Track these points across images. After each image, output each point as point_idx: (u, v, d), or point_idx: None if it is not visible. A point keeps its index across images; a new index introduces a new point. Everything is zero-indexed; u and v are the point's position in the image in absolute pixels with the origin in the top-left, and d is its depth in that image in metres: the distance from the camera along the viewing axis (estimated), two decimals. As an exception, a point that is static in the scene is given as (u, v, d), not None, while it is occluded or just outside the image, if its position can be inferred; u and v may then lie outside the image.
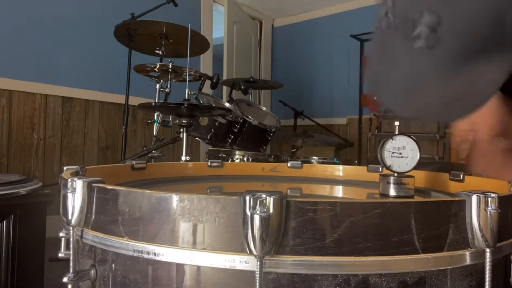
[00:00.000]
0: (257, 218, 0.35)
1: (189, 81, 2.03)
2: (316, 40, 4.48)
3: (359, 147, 3.93)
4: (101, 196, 0.43)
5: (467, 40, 0.43)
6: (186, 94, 1.87)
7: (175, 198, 0.39)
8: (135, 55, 2.41)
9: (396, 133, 0.66)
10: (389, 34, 0.47)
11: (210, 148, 2.32)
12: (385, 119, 3.76)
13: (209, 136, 2.21)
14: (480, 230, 0.38)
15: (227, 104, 2.32)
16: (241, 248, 0.36)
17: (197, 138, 2.33)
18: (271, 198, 0.35)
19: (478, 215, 0.39)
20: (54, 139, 2.79)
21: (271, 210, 0.35)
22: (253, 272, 0.35)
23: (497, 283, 0.43)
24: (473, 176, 0.72)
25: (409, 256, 0.37)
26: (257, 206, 0.35)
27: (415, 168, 0.64)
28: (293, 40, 4.74)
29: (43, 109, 2.74)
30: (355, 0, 4.15)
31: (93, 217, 0.44)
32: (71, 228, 0.44)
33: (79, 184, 0.43)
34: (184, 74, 2.23)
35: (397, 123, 0.71)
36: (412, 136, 0.65)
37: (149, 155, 2.16)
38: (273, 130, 2.35)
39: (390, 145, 0.65)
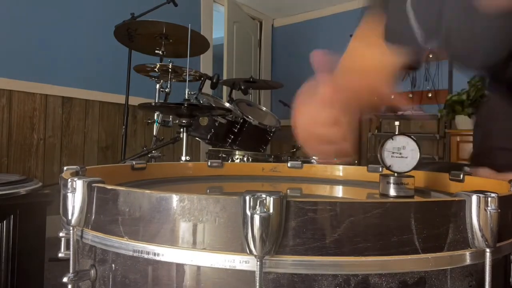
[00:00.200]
0: (257, 218, 0.35)
1: (189, 81, 2.03)
2: (316, 40, 4.48)
3: (359, 147, 3.93)
4: (101, 196, 0.43)
5: None
6: (186, 94, 1.87)
7: (175, 198, 0.39)
8: (135, 55, 2.41)
9: (396, 133, 0.66)
10: None
11: (210, 148, 2.32)
12: (385, 119, 3.76)
13: (209, 136, 2.21)
14: (480, 230, 0.38)
15: (227, 104, 2.33)
16: (241, 248, 0.36)
17: (197, 138, 2.33)
18: (271, 198, 0.35)
19: (478, 215, 0.39)
20: (54, 139, 2.80)
21: (271, 210, 0.35)
22: (253, 272, 0.36)
23: (497, 283, 0.43)
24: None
25: (409, 256, 0.37)
26: (257, 206, 0.35)
27: (415, 168, 0.64)
28: (293, 40, 4.74)
29: (43, 109, 2.74)
30: (355, 0, 4.15)
31: (93, 217, 0.44)
32: (71, 228, 0.44)
33: (79, 184, 0.43)
34: (184, 74, 2.23)
35: (397, 123, 0.71)
36: (412, 136, 0.65)
37: (149, 155, 2.17)
38: (273, 130, 2.35)
39: (390, 145, 0.65)
